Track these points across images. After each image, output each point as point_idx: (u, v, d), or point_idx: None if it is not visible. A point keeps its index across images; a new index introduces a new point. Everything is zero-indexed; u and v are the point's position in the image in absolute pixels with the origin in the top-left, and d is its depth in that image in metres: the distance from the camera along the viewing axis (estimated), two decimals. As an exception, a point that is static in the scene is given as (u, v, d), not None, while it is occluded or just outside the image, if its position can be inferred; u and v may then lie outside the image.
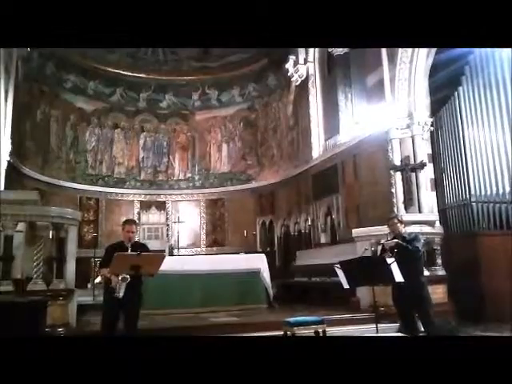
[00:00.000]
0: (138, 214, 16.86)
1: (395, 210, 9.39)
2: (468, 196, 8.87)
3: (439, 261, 8.05)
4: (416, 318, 5.26)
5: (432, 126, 9.63)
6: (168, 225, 16.98)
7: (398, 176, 9.49)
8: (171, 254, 14.76)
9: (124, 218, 16.34)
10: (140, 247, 4.87)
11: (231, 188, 17.14)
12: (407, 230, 7.91)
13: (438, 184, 9.57)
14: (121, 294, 4.50)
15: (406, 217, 8.71)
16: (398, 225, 5.38)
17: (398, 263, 4.93)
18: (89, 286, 11.96)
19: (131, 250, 4.69)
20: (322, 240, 12.75)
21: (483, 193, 8.82)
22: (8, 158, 10.74)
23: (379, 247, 6.13)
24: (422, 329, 5.21)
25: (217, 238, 17.13)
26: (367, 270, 5.18)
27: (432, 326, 5.04)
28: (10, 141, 10.84)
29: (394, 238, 5.26)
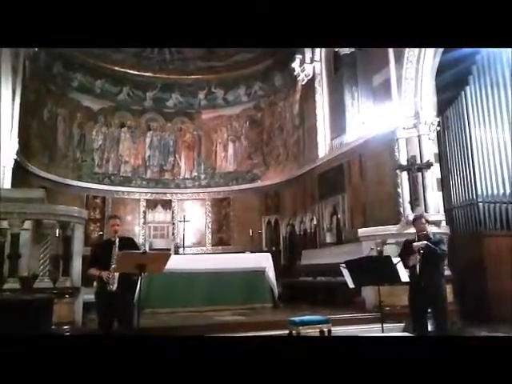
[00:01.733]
0: (144, 212, 16.89)
1: (401, 209, 9.36)
2: (474, 196, 8.83)
3: (445, 261, 8.01)
4: (427, 319, 5.23)
5: (439, 125, 9.59)
6: (174, 223, 16.98)
7: (405, 176, 9.45)
8: (177, 253, 14.79)
9: (130, 217, 16.33)
10: (126, 241, 4.99)
11: (237, 187, 17.12)
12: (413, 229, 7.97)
13: (444, 184, 9.54)
14: (114, 287, 4.55)
15: (412, 217, 8.69)
16: (426, 225, 5.33)
17: (422, 264, 4.92)
18: (95, 284, 12.01)
19: (118, 244, 4.77)
20: (328, 240, 12.71)
21: (490, 193, 8.78)
22: (15, 157, 10.80)
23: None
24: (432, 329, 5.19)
25: (222, 237, 17.13)
26: (373, 269, 5.19)
27: (446, 328, 5.02)
28: (17, 139, 10.90)
29: (418, 238, 5.21)
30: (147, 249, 13.80)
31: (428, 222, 5.42)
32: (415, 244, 5.11)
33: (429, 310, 5.25)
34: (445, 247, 5.14)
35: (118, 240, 4.83)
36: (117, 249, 4.71)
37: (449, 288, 7.56)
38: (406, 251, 5.31)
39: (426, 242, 5.05)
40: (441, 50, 9.43)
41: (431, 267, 4.99)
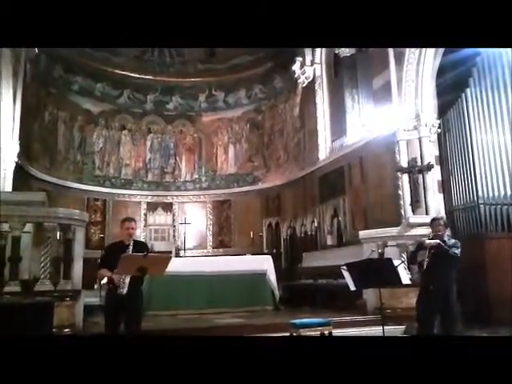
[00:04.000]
0: (145, 215, 16.91)
1: (402, 212, 9.36)
2: (475, 198, 8.81)
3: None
4: (435, 324, 5.18)
5: (439, 127, 9.58)
6: (174, 226, 17.00)
7: (405, 178, 9.45)
8: (178, 256, 14.78)
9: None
10: (140, 245, 4.95)
11: (237, 189, 17.13)
12: (414, 231, 7.97)
13: (445, 186, 9.52)
14: (125, 290, 4.54)
15: (413, 219, 8.70)
16: (442, 227, 5.30)
17: (433, 265, 4.89)
18: (96, 286, 12.00)
19: (132, 248, 4.74)
20: (329, 242, 12.71)
21: (491, 195, 8.76)
22: (16, 160, 10.81)
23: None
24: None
25: (223, 240, 17.13)
26: (374, 271, 5.16)
27: (453, 332, 4.96)
28: (18, 142, 10.91)
29: (433, 239, 5.18)
30: (148, 251, 13.76)
31: (446, 225, 5.39)
32: (428, 241, 5.07)
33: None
34: (458, 251, 5.08)
35: (132, 243, 4.82)
36: (131, 252, 4.69)
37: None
38: (417, 249, 5.29)
39: (437, 240, 5.02)
40: (441, 51, 9.44)
41: (441, 269, 4.94)
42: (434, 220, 5.41)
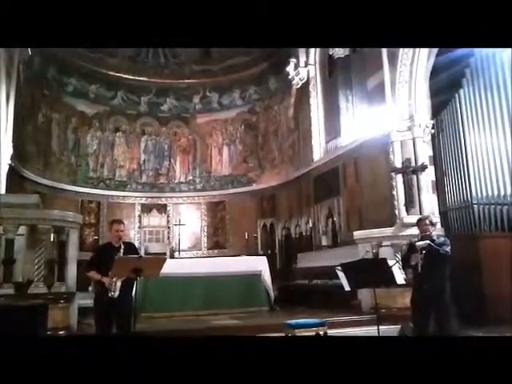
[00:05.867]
0: (139, 216, 16.86)
1: (396, 212, 9.38)
2: (469, 198, 8.85)
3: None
4: (430, 323, 5.19)
5: (433, 128, 9.62)
6: (169, 227, 16.96)
7: (399, 178, 9.47)
8: (172, 257, 14.75)
9: (125, 221, 16.36)
10: (130, 247, 4.97)
11: (232, 191, 17.12)
12: (409, 231, 7.99)
13: (439, 186, 9.56)
14: (116, 294, 4.51)
15: (407, 219, 8.73)
16: (430, 227, 5.33)
17: (424, 264, 4.91)
18: (90, 288, 11.95)
19: (123, 250, 4.75)
20: (323, 242, 12.72)
21: (484, 195, 8.80)
22: (9, 162, 10.75)
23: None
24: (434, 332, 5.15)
25: (218, 241, 17.11)
26: (368, 272, 5.18)
27: (447, 331, 4.96)
28: (11, 144, 10.86)
29: (422, 239, 5.20)
30: (143, 253, 13.76)
31: (432, 223, 5.41)
32: (418, 243, 5.10)
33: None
34: (448, 249, 5.10)
35: (122, 246, 4.80)
36: (121, 255, 4.67)
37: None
38: (409, 252, 5.32)
39: (428, 241, 5.04)
40: (434, 52, 9.47)
41: (434, 268, 4.96)
42: (420, 220, 5.46)
